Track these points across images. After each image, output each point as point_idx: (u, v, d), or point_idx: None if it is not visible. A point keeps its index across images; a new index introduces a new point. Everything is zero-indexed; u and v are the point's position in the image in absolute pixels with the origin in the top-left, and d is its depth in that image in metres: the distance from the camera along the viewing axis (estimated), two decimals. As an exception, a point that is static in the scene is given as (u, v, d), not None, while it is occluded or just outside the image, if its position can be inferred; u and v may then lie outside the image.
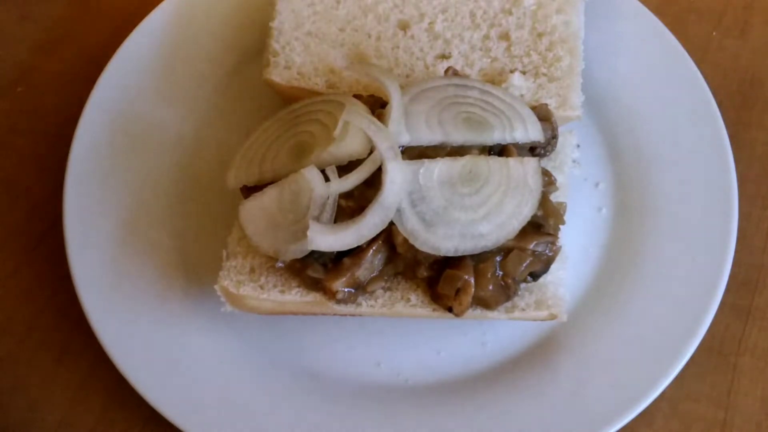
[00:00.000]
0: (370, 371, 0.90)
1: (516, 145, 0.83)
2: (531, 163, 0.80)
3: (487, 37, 0.97)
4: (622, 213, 0.96)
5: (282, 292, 0.84)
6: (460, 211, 0.78)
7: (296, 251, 0.81)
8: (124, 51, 1.03)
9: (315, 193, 0.80)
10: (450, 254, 0.78)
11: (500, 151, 0.83)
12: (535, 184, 0.80)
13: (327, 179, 0.81)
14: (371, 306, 0.83)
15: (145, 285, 0.92)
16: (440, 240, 0.78)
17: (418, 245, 0.78)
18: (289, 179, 0.83)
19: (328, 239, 0.78)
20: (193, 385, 0.87)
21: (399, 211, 0.78)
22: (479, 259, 0.80)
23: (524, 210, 0.79)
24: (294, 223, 0.81)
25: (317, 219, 0.79)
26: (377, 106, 0.85)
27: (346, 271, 0.80)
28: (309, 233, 0.77)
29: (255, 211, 0.84)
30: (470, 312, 0.81)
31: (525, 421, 0.84)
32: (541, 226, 0.82)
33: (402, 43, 0.97)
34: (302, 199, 0.80)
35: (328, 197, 0.79)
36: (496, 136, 0.83)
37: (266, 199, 0.83)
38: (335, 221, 0.80)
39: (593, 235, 0.95)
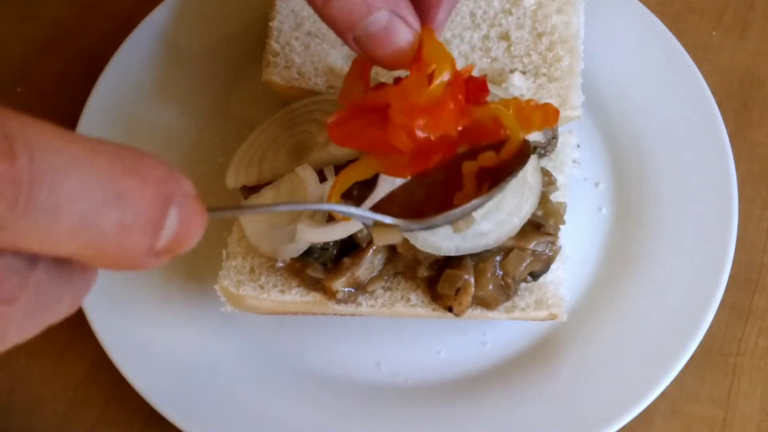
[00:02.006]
0: (370, 371, 0.90)
1: (516, 145, 0.83)
2: (530, 161, 0.80)
3: (487, 37, 0.97)
4: (622, 213, 0.96)
5: (282, 292, 0.84)
6: None
7: (292, 251, 0.81)
8: (124, 51, 1.03)
9: (309, 193, 0.80)
10: (451, 254, 0.78)
11: (500, 151, 0.83)
12: (534, 181, 0.80)
13: (325, 179, 0.81)
14: (371, 306, 0.83)
15: (145, 285, 0.92)
16: (441, 239, 0.78)
17: (418, 245, 0.78)
18: (285, 179, 0.83)
19: (315, 232, 0.78)
20: (193, 384, 0.87)
21: None
22: (479, 258, 0.80)
23: (524, 207, 0.79)
24: (290, 222, 0.81)
25: (311, 219, 0.80)
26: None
27: (346, 270, 0.80)
28: (298, 226, 0.77)
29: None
30: (470, 312, 0.81)
31: (525, 421, 0.84)
32: (541, 225, 0.82)
33: (402, 43, 0.97)
34: (297, 198, 0.80)
35: (323, 197, 0.79)
36: (495, 136, 0.83)
37: (264, 199, 0.84)
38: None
39: (593, 235, 0.95)
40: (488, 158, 0.73)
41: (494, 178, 0.72)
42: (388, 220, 0.70)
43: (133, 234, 0.42)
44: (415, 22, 0.67)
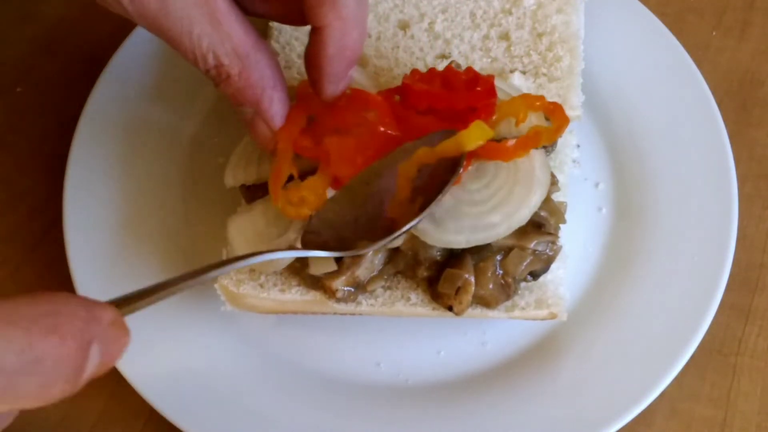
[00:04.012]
0: (370, 371, 0.90)
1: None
2: (538, 156, 0.80)
3: (487, 37, 0.97)
4: (622, 213, 0.96)
5: (282, 291, 0.84)
6: (470, 206, 0.78)
7: (279, 264, 0.81)
8: (124, 51, 1.03)
9: None
10: (462, 246, 0.78)
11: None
12: (543, 175, 0.79)
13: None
14: (371, 305, 0.83)
15: (145, 284, 0.92)
16: (450, 234, 0.77)
17: (429, 241, 0.78)
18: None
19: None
20: (192, 384, 0.87)
21: None
22: (480, 257, 0.80)
23: (533, 199, 0.78)
24: (277, 236, 0.81)
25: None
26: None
27: (345, 270, 0.80)
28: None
29: (244, 225, 0.83)
30: (470, 311, 0.81)
31: (525, 421, 0.84)
32: (542, 225, 0.82)
33: (402, 43, 0.97)
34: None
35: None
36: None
37: (254, 213, 0.83)
38: None
39: (593, 234, 0.95)
40: (423, 155, 0.75)
41: (427, 192, 0.75)
42: (313, 254, 0.75)
43: (54, 387, 0.44)
44: (276, 121, 0.75)
